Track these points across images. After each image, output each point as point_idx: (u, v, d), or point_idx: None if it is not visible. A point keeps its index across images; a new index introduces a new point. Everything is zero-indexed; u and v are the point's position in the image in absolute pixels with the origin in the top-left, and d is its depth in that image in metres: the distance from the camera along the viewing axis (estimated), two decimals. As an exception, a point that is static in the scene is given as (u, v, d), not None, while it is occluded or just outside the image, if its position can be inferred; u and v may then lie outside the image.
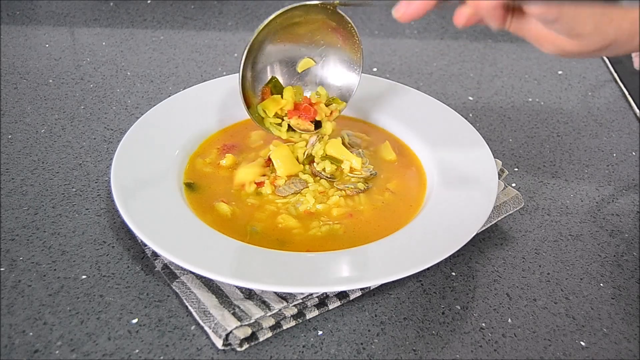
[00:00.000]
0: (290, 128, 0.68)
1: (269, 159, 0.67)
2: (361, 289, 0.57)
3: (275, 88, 0.69)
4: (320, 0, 0.62)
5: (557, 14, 0.46)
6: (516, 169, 0.75)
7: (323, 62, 0.70)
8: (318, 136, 0.68)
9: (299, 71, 0.70)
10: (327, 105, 0.69)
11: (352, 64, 0.69)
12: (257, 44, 0.65)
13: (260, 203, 0.64)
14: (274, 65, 0.69)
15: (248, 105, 0.66)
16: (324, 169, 0.67)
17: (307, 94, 0.70)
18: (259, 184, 0.65)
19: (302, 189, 0.65)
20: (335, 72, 0.70)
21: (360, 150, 0.71)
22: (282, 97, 0.68)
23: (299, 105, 0.68)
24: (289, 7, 0.62)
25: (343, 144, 0.69)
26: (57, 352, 0.52)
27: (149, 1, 1.08)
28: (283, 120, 0.68)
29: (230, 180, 0.66)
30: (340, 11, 0.64)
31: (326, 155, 0.68)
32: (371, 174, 0.68)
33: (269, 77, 0.69)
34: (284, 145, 0.68)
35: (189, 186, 0.65)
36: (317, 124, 0.69)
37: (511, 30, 0.51)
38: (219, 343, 0.52)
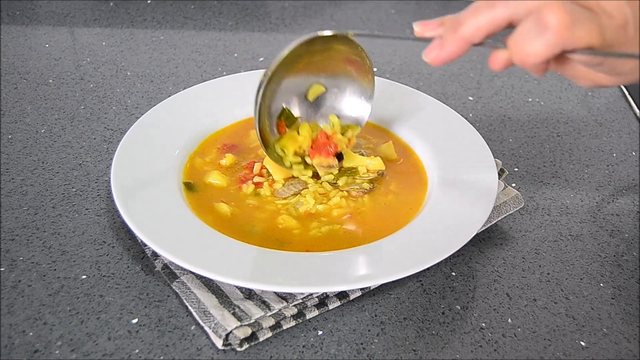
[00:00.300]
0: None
1: (263, 165, 0.66)
2: (361, 289, 0.57)
3: (288, 120, 0.67)
4: (333, 32, 0.59)
5: (601, 60, 0.47)
6: (516, 169, 0.75)
7: (334, 88, 0.68)
8: (342, 169, 0.67)
9: (310, 99, 0.68)
10: (342, 134, 0.67)
11: (363, 88, 0.67)
12: (267, 79, 0.62)
13: (260, 204, 0.64)
14: (284, 96, 0.67)
15: (265, 144, 0.65)
16: (334, 180, 0.66)
17: (321, 123, 0.68)
18: (257, 185, 0.65)
19: (301, 190, 0.65)
20: (347, 98, 0.68)
21: (362, 150, 0.70)
22: (295, 124, 0.67)
23: (317, 141, 0.66)
24: (299, 41, 0.59)
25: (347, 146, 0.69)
26: (57, 352, 0.52)
27: (149, 1, 1.08)
28: (304, 160, 0.66)
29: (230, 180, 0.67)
30: (349, 37, 0.62)
31: (341, 169, 0.67)
32: (379, 174, 0.68)
33: (281, 109, 0.67)
34: None
35: (188, 186, 0.65)
36: (339, 155, 0.67)
37: (549, 69, 0.50)
38: (219, 343, 0.52)
